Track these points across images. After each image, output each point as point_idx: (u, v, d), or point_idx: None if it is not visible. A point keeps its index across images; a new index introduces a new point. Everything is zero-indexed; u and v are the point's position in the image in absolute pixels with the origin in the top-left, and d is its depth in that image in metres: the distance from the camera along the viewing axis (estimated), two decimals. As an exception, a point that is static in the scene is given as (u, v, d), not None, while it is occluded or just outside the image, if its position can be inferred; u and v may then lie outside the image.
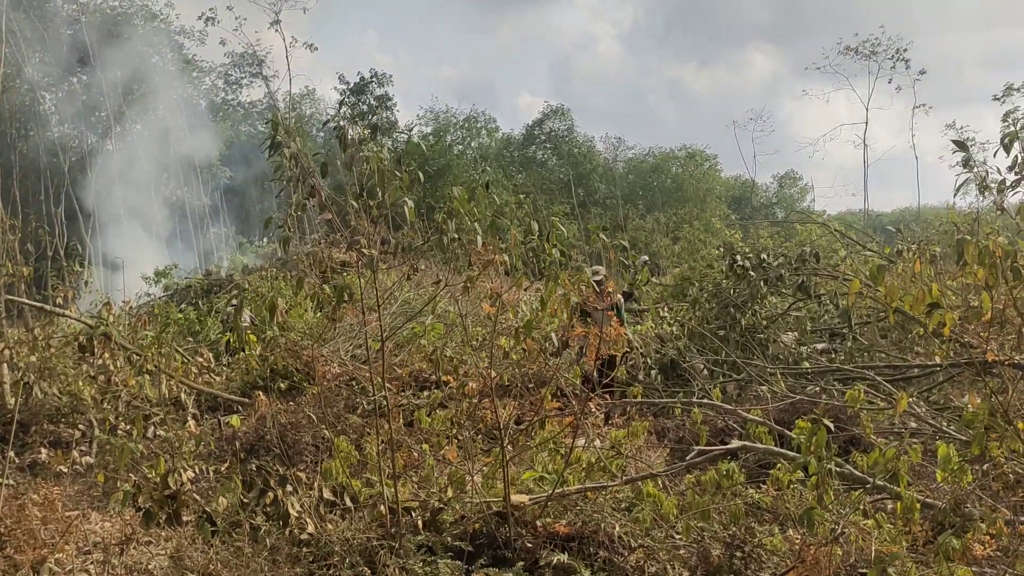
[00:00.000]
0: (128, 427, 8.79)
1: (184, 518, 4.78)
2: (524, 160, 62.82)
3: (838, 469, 4.73)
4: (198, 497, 4.70)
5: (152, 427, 9.15)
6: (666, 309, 13.93)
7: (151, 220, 40.76)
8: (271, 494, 4.51)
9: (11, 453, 7.97)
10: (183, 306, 18.62)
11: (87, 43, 43.59)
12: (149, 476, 4.45)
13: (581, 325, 7.14)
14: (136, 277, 26.31)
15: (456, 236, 3.91)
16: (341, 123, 3.65)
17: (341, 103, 56.02)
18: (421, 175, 3.95)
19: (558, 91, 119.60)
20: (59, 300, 9.21)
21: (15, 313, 12.70)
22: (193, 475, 4.70)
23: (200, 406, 9.98)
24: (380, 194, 3.87)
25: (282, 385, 10.51)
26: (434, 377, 10.00)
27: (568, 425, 6.19)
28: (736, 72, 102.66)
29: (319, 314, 17.24)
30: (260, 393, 9.39)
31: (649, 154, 64.26)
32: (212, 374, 10.75)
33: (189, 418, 9.24)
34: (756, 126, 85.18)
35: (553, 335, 5.27)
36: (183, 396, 9.57)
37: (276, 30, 44.16)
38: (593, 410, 7.01)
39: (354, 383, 10.48)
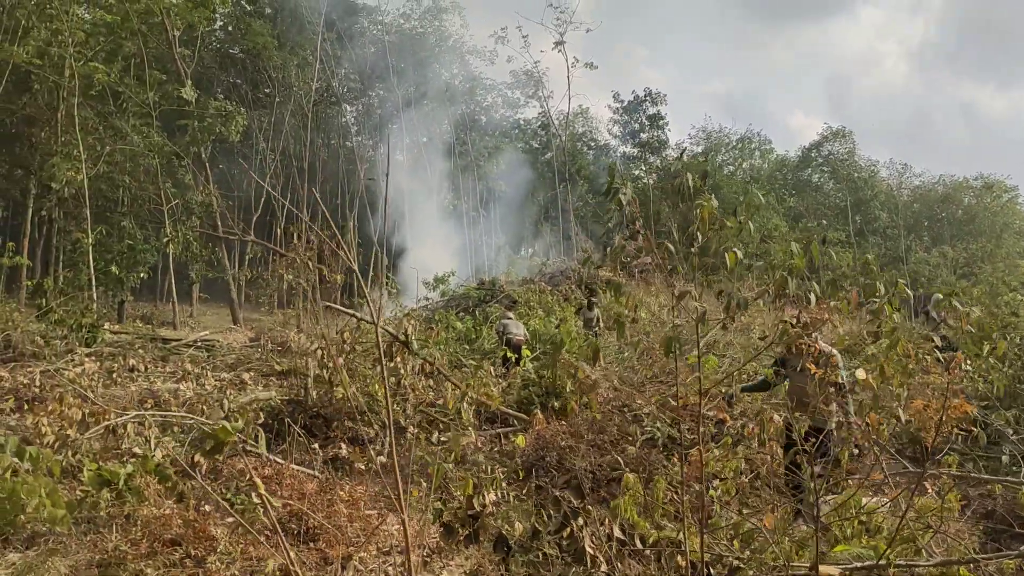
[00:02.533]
0: (415, 431, 9.32)
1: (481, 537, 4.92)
2: (798, 183, 60.28)
3: None
4: (497, 520, 4.82)
5: (436, 433, 9.65)
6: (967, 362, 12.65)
7: (432, 227, 43.25)
8: (568, 528, 4.53)
9: (315, 446, 8.73)
10: (461, 314, 19.59)
11: (387, 61, 47.18)
12: (455, 493, 4.62)
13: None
14: (418, 279, 28.09)
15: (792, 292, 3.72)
16: (677, 169, 3.58)
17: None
18: (751, 226, 3.78)
19: (834, 111, 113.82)
20: (368, 308, 9.91)
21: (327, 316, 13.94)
22: (495, 498, 4.83)
23: (479, 416, 10.33)
24: (705, 242, 3.75)
25: (555, 404, 10.65)
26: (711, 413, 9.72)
27: (860, 486, 5.76)
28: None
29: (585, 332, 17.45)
30: (538, 412, 9.59)
31: (939, 182, 59.32)
32: (492, 386, 11.11)
33: (470, 429, 9.63)
34: (1069, 157, 76.22)
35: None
36: (463, 406, 9.94)
37: (560, 50, 45.41)
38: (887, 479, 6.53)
39: (626, 409, 10.40)
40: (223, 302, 36.53)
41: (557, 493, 4.68)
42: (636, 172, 62.60)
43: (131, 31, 31.31)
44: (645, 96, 58.29)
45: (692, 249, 3.87)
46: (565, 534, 4.57)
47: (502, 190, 50.47)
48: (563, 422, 9.65)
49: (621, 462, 6.71)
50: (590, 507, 5.14)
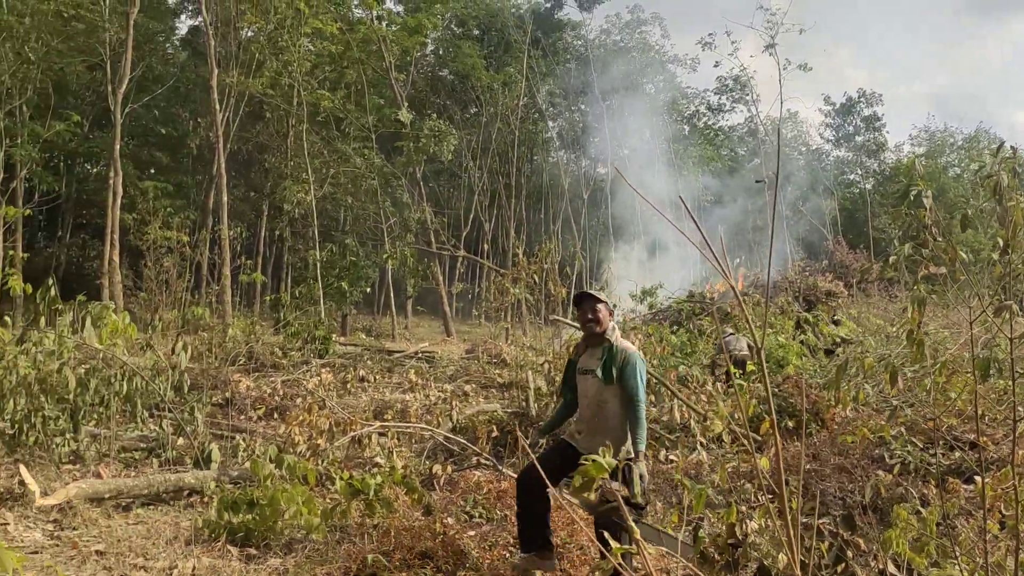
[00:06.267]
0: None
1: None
2: (1041, 185, 54.99)
3: None
4: (759, 550, 4.50)
5: (664, 451, 9.38)
6: None
7: (637, 240, 42.86)
8: (843, 563, 4.15)
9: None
10: (674, 327, 19.14)
11: (589, 75, 47.41)
12: (714, 520, 4.37)
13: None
14: (623, 293, 27.79)
15: None
16: (996, 171, 3.15)
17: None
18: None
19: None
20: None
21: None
22: (757, 526, 4.53)
23: (706, 434, 9.94)
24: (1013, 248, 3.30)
25: (789, 423, 10.07)
26: (967, 436, 8.86)
27: None
28: None
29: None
30: (774, 431, 9.07)
31: None
32: (717, 402, 10.68)
33: (698, 447, 9.28)
34: None
35: None
36: (692, 423, 9.61)
37: (771, 54, 43.89)
38: None
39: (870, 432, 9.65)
40: (434, 314, 37.87)
41: (819, 523, 4.31)
42: (851, 176, 59.33)
43: (352, 59, 33.23)
44: (859, 97, 55.33)
45: (997, 257, 3.42)
46: (839, 569, 4.19)
47: (708, 200, 49.32)
48: (797, 443, 9.07)
49: (881, 489, 6.15)
50: (859, 539, 4.69)
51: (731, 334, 14.75)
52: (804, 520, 5.42)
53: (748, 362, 12.91)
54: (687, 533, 5.25)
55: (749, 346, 13.67)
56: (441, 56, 45.79)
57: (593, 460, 2.74)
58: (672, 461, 8.95)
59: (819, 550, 4.52)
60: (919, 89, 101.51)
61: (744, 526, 4.44)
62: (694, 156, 50.05)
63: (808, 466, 7.66)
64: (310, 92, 30.51)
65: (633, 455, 4.88)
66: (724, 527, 4.45)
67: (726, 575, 4.41)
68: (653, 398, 10.85)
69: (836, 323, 16.04)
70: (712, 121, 57.70)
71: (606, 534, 4.79)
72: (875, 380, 10.96)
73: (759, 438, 9.53)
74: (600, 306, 5.22)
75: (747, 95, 53.74)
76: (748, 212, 48.04)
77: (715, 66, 66.93)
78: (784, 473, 7.11)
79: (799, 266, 27.48)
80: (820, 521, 5.13)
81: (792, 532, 3.29)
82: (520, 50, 42.90)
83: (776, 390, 10.54)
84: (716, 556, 4.49)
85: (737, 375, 12.52)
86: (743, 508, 4.31)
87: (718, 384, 10.77)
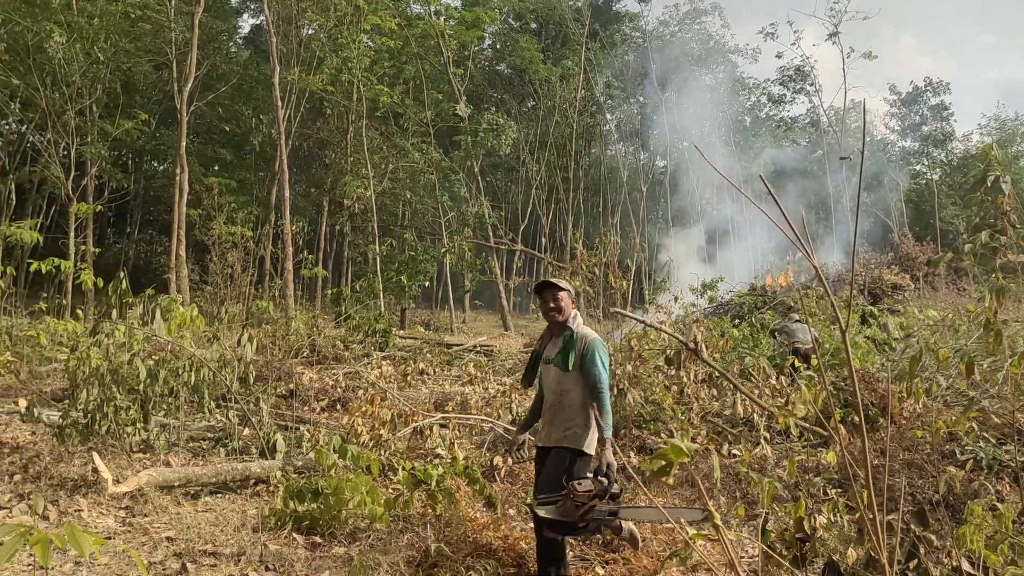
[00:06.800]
0: (704, 442, 8.98)
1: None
2: None
3: None
4: (828, 545, 4.41)
5: (727, 445, 9.26)
6: None
7: (696, 233, 42.41)
8: (916, 558, 4.04)
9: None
10: (736, 321, 18.87)
11: (648, 66, 47.01)
12: (781, 514, 4.28)
13: None
14: (681, 287, 27.50)
15: None
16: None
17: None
18: None
19: None
20: (656, 313, 9.76)
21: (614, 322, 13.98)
22: (826, 521, 4.43)
23: (770, 428, 9.78)
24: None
25: (855, 418, 9.84)
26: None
27: None
28: None
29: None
30: (840, 425, 8.91)
31: None
32: (780, 396, 10.51)
33: (762, 441, 9.13)
34: None
35: None
36: (755, 417, 9.46)
37: (834, 42, 42.99)
38: None
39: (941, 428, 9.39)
40: (492, 308, 37.98)
41: (889, 519, 4.19)
42: (918, 167, 57.85)
43: (410, 55, 33.46)
44: (925, 86, 53.92)
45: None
46: (912, 565, 4.08)
47: (769, 192, 48.49)
48: (859, 438, 8.84)
49: (955, 485, 5.98)
50: (931, 536, 4.56)
51: (796, 320, 14.48)
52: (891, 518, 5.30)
53: (812, 356, 12.67)
54: (752, 528, 5.17)
55: (815, 339, 13.40)
56: (499, 50, 45.86)
57: (672, 444, 2.67)
58: (735, 455, 8.83)
59: (891, 545, 4.41)
60: (989, 77, 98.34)
61: (813, 520, 4.36)
62: (756, 147, 49.30)
63: (876, 461, 7.47)
64: (369, 88, 30.81)
65: (601, 444, 4.74)
66: (792, 521, 4.36)
67: (794, 570, 4.33)
68: (715, 392, 10.73)
69: (893, 312, 15.65)
70: (773, 112, 56.83)
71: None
72: (947, 373, 10.67)
73: (825, 433, 9.37)
74: (562, 294, 5.08)
75: (809, 85, 52.77)
76: (811, 204, 47.17)
77: (777, 57, 65.80)
78: (855, 467, 6.98)
79: (864, 259, 26.89)
80: (890, 517, 5.01)
81: (879, 528, 3.20)
82: (578, 43, 42.71)
83: (843, 384, 10.32)
84: (783, 551, 4.41)
85: (803, 368, 12.32)
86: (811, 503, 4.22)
87: (782, 378, 10.55)
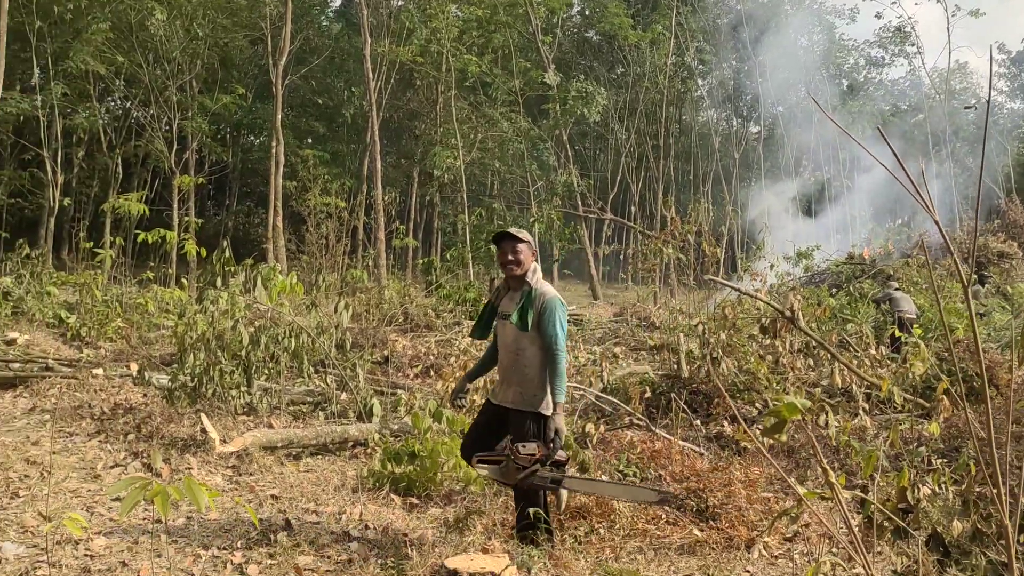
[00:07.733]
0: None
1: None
2: None
3: None
4: (931, 516, 4.30)
5: (824, 416, 9.07)
6: None
7: (792, 201, 41.32)
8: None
9: (697, 422, 8.58)
10: (833, 290, 18.40)
11: (740, 30, 45.78)
12: (882, 485, 4.18)
13: None
14: (776, 255, 26.90)
15: None
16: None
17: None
18: None
19: None
20: (751, 281, 9.59)
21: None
22: (930, 491, 4.32)
23: (869, 399, 9.53)
24: None
25: (961, 388, 9.49)
26: None
27: None
28: None
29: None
30: (944, 396, 8.63)
31: None
32: (882, 367, 10.22)
33: (861, 412, 8.91)
34: None
35: None
36: (854, 388, 9.23)
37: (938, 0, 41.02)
38: None
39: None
40: (581, 277, 37.90)
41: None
42: (1029, 131, 54.98)
43: (498, 24, 33.38)
44: (1039, 43, 51.05)
45: None
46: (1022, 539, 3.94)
47: (867, 159, 46.84)
48: (968, 410, 8.53)
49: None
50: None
51: (897, 289, 14.03)
52: (978, 488, 5.14)
53: (915, 325, 12.28)
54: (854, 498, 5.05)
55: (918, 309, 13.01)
56: (587, 17, 45.31)
57: (787, 402, 2.61)
58: (833, 426, 8.63)
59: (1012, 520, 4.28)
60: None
61: (916, 491, 4.24)
62: (853, 112, 47.56)
63: (981, 434, 7.22)
64: (458, 58, 30.90)
65: (552, 408, 4.61)
66: (894, 492, 4.26)
67: (896, 542, 4.24)
68: (811, 362, 10.49)
69: (982, 281, 15.04)
70: (872, 75, 54.70)
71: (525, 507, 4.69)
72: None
73: (925, 404, 9.09)
74: (522, 246, 4.75)
75: (910, 46, 50.53)
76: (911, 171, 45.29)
77: (876, 16, 62.77)
78: (967, 437, 6.73)
79: (968, 226, 25.81)
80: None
81: (1007, 500, 3.10)
82: (668, 7, 41.84)
83: (947, 354, 9.98)
84: (885, 522, 4.31)
85: (904, 338, 11.94)
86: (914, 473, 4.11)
87: (881, 348, 10.25)
